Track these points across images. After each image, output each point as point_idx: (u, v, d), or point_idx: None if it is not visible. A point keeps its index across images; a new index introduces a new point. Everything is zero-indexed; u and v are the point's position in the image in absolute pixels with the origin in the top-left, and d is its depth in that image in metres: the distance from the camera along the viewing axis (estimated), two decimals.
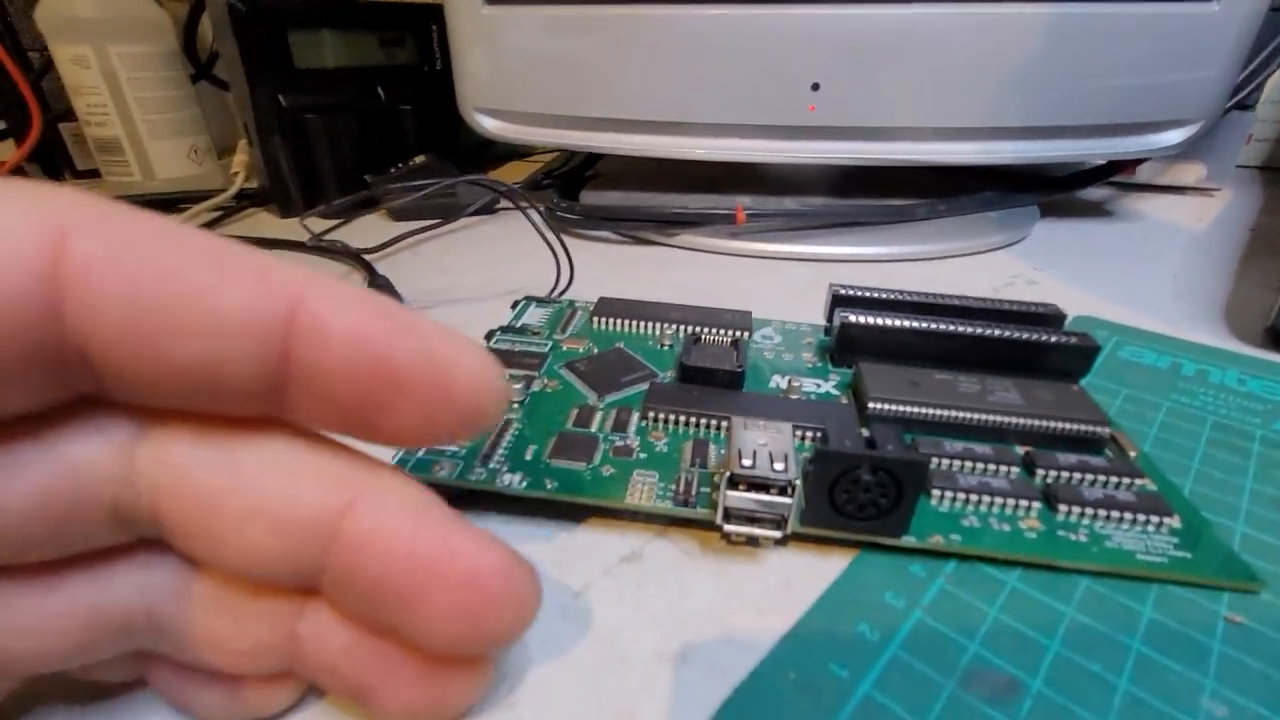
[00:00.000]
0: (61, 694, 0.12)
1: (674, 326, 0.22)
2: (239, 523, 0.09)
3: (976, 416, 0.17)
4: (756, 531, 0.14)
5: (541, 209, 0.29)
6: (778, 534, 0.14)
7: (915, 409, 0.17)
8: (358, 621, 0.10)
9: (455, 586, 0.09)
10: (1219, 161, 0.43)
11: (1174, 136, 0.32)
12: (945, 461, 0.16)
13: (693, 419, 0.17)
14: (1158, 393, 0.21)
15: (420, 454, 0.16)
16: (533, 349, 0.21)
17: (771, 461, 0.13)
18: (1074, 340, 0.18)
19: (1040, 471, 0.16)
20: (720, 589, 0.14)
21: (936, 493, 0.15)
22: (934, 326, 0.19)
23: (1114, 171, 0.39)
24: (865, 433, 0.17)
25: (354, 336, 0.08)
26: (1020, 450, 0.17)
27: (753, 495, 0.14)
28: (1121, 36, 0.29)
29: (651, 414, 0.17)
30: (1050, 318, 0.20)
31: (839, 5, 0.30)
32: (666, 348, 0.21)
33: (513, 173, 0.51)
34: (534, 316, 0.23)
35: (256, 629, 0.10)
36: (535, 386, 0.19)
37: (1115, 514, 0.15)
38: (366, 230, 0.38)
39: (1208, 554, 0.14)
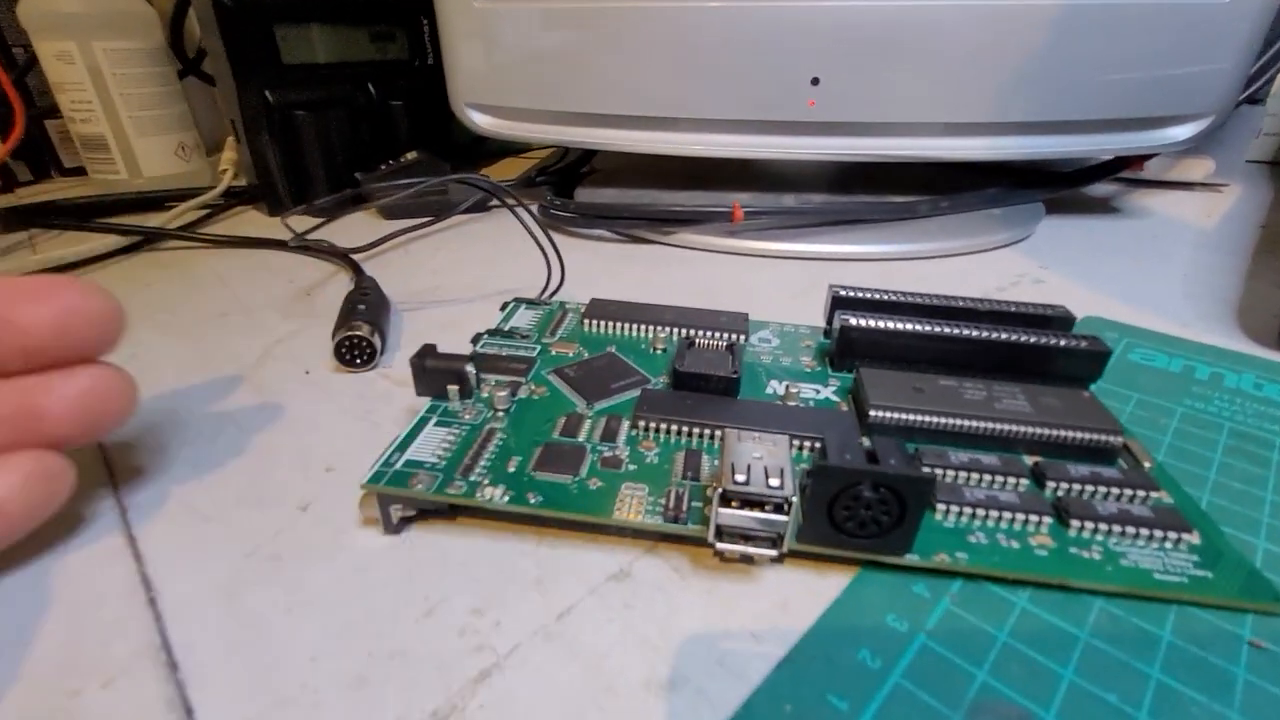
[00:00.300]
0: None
1: (668, 329, 0.21)
2: None
3: (983, 425, 0.16)
4: (751, 550, 0.13)
5: (533, 208, 0.29)
6: (773, 552, 0.13)
7: (918, 417, 0.16)
8: None
9: None
10: (1228, 157, 0.42)
11: (1184, 131, 0.31)
12: (950, 473, 0.15)
13: (685, 428, 0.16)
14: (1171, 398, 0.20)
15: (398, 466, 0.15)
16: (520, 354, 0.20)
17: (767, 477, 0.13)
18: (1084, 344, 0.18)
19: (1051, 483, 0.15)
20: (712, 610, 0.13)
21: (941, 507, 0.14)
22: (938, 330, 0.18)
23: (1121, 167, 0.38)
24: (866, 442, 0.16)
25: None
26: (1029, 461, 0.16)
27: (747, 513, 0.13)
28: (1130, 29, 0.28)
29: (642, 423, 0.16)
30: (1058, 320, 0.19)
31: None
32: (660, 351, 0.21)
33: (506, 170, 0.50)
34: (523, 319, 0.22)
35: None
36: (522, 393, 0.18)
37: (1131, 529, 0.14)
38: (356, 228, 0.37)
39: (1229, 573, 0.13)
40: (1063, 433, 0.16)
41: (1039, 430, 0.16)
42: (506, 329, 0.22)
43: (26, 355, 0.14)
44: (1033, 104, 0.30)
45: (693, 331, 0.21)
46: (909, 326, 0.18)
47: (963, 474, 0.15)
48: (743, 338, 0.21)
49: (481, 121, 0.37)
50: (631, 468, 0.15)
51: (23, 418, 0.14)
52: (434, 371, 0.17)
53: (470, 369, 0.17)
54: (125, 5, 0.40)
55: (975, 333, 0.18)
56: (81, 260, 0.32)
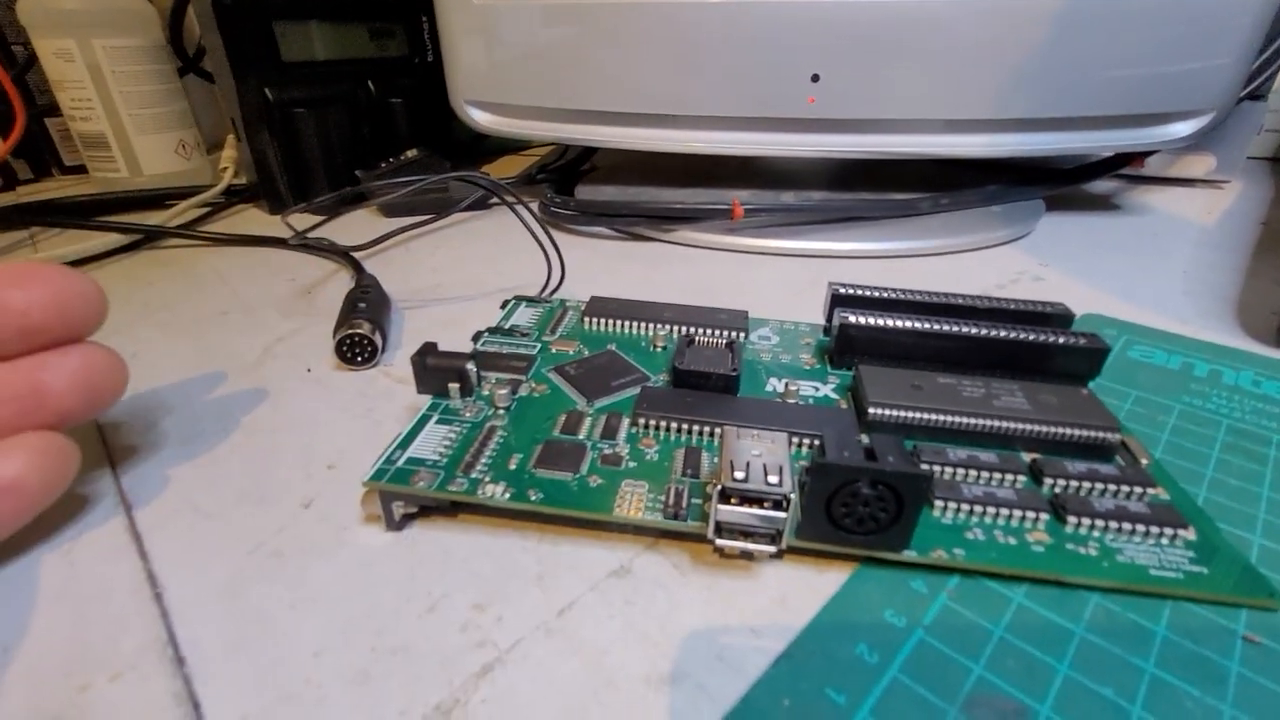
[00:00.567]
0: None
1: (668, 327, 0.21)
2: None
3: (981, 422, 0.16)
4: (750, 546, 0.13)
5: (533, 205, 0.29)
6: (772, 549, 0.13)
7: (917, 414, 0.16)
8: None
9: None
10: (1229, 153, 0.42)
11: (1185, 128, 0.31)
12: (948, 470, 0.15)
13: (685, 425, 0.16)
14: (1169, 395, 0.20)
15: (400, 464, 0.15)
16: (520, 351, 0.20)
17: (766, 474, 0.13)
18: (1083, 342, 0.18)
19: (1048, 480, 0.15)
20: (712, 606, 0.13)
21: (939, 504, 0.14)
22: (937, 327, 0.18)
23: (1122, 164, 0.38)
24: (865, 440, 0.16)
25: None
26: (1027, 458, 0.16)
27: (746, 509, 0.13)
28: (1131, 24, 0.28)
29: (642, 420, 0.17)
30: (1057, 317, 0.19)
31: None
32: (660, 349, 0.21)
33: (506, 167, 0.50)
34: (524, 317, 0.22)
35: None
36: (522, 391, 0.18)
37: (1127, 526, 0.14)
38: (357, 226, 0.37)
39: (1224, 569, 0.13)
40: (1061, 430, 0.16)
41: (1037, 427, 0.16)
42: (507, 327, 0.22)
43: (25, 336, 0.14)
44: (1033, 100, 0.30)
45: (692, 329, 0.21)
46: (908, 324, 0.18)
47: (960, 471, 0.15)
48: (742, 335, 0.21)
49: (481, 119, 0.37)
50: (632, 465, 0.15)
51: (28, 396, 0.14)
52: (435, 369, 0.17)
53: (471, 367, 0.18)
54: (124, 3, 0.40)
55: (974, 330, 0.18)
56: (82, 258, 0.32)
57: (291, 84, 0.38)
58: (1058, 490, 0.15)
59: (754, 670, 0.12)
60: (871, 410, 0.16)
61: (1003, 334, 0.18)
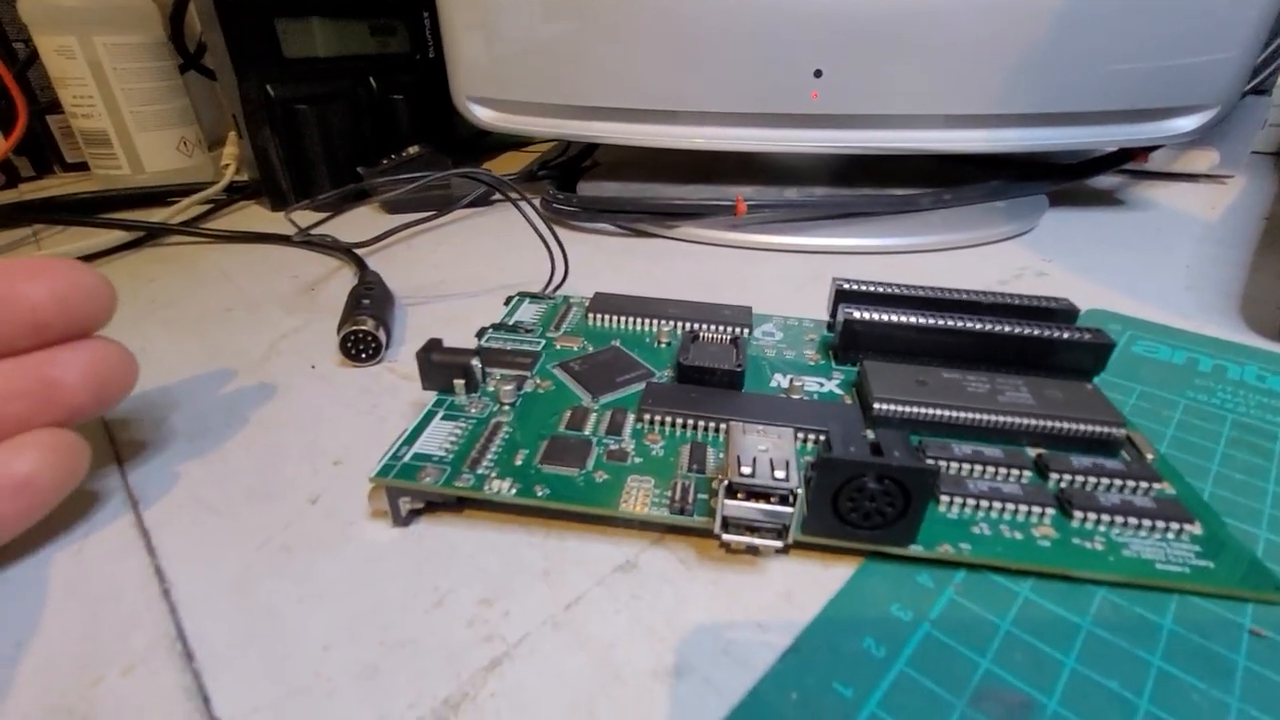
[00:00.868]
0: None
1: (672, 323, 0.21)
2: None
3: (986, 417, 0.16)
4: (756, 541, 0.13)
5: (535, 201, 0.29)
6: (778, 544, 0.13)
7: (922, 409, 0.16)
8: None
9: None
10: (1233, 148, 0.42)
11: (1189, 123, 0.31)
12: (954, 465, 0.15)
13: (690, 421, 0.16)
14: (1173, 390, 0.20)
15: (406, 460, 0.15)
16: (525, 347, 0.20)
17: (772, 469, 0.13)
18: (1088, 336, 0.18)
19: (1054, 475, 0.15)
20: (718, 600, 0.13)
21: (945, 499, 0.14)
22: (941, 323, 0.18)
23: (1125, 159, 0.38)
24: (870, 435, 0.16)
25: None
26: (1032, 453, 0.16)
27: (752, 504, 0.13)
28: (1135, 18, 0.28)
29: (647, 416, 0.17)
30: (1062, 313, 0.19)
31: None
32: (664, 345, 0.21)
33: (508, 163, 0.50)
34: (527, 313, 0.22)
35: None
36: (527, 387, 0.18)
37: (1133, 520, 0.14)
38: (359, 223, 0.37)
39: (1230, 563, 0.13)
40: (1066, 425, 0.16)
41: (1042, 422, 0.16)
42: (511, 323, 0.22)
43: (37, 330, 0.14)
44: (1036, 95, 0.30)
45: (697, 325, 0.21)
46: (912, 320, 0.18)
47: (966, 466, 0.15)
48: (746, 331, 0.21)
49: (483, 115, 0.37)
50: (637, 460, 0.16)
51: (40, 391, 0.14)
52: (440, 366, 0.17)
53: (476, 363, 0.18)
54: None
55: (978, 326, 0.18)
56: (85, 255, 0.32)
57: (293, 80, 0.38)
58: (1063, 485, 0.15)
59: (761, 664, 0.12)
60: (877, 405, 0.16)
61: (1007, 329, 0.18)
